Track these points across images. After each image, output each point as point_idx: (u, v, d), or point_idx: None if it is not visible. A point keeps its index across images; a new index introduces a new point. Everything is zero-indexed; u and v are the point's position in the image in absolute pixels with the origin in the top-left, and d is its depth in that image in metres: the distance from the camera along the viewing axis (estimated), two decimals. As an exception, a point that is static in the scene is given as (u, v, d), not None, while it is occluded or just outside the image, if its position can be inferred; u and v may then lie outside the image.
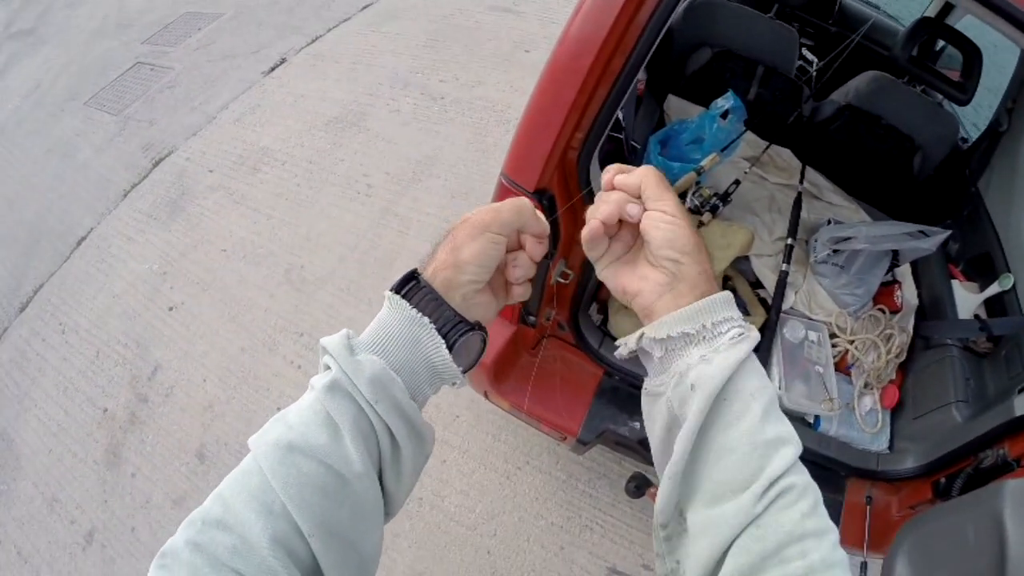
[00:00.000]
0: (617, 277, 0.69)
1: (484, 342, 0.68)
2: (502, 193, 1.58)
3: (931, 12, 3.01)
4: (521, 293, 0.71)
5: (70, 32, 7.39)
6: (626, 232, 0.70)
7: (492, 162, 3.86)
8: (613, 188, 0.68)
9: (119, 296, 3.71)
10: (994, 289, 2.09)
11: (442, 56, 4.99)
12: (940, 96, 2.78)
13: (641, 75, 2.64)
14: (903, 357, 2.16)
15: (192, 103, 5.21)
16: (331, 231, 3.66)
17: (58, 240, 4.32)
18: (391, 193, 3.81)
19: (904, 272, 2.40)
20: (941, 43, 2.90)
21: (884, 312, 2.25)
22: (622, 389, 1.98)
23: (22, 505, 2.99)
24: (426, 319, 0.61)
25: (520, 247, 0.68)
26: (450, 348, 0.62)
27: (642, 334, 0.64)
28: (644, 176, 0.66)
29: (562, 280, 1.72)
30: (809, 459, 1.80)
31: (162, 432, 3.00)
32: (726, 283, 2.20)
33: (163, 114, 5.21)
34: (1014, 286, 2.04)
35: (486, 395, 1.97)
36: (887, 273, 2.33)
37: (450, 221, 3.19)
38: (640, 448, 1.89)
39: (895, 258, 2.31)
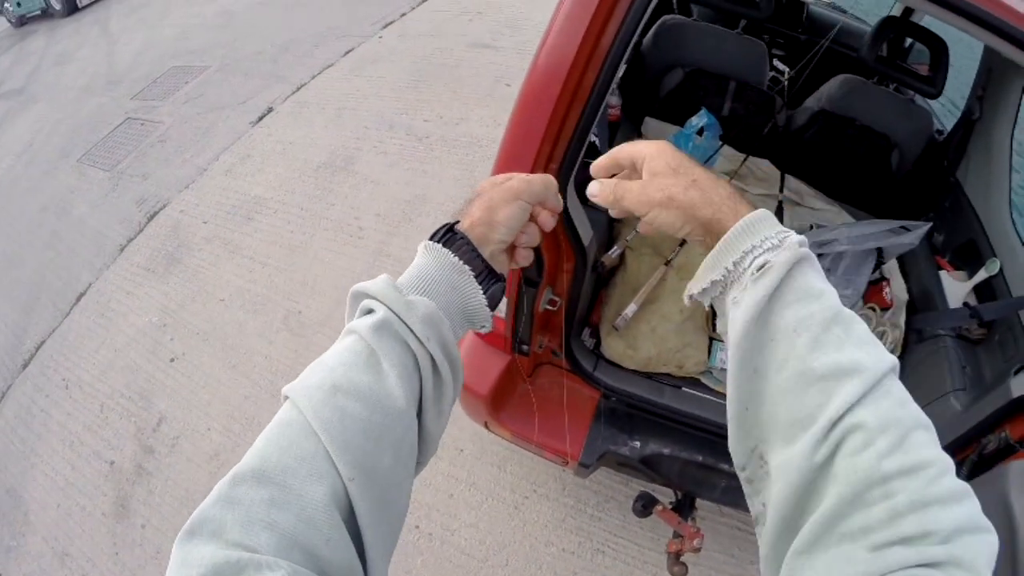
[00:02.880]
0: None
1: (503, 292, 0.72)
2: None
3: (896, 11, 3.08)
4: (525, 257, 0.75)
5: (60, 90, 7.53)
6: None
7: None
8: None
9: (121, 350, 3.77)
10: (982, 275, 2.13)
11: (425, 96, 5.12)
12: (912, 92, 2.85)
13: (616, 100, 2.73)
14: (898, 352, 2.16)
15: (183, 156, 5.31)
16: (326, 275, 3.74)
17: (57, 296, 4.38)
18: (383, 234, 3.90)
19: (891, 268, 2.42)
20: (909, 40, 2.97)
21: (875, 310, 2.27)
22: (619, 410, 1.99)
23: (32, 561, 3.01)
24: (467, 267, 0.66)
25: (533, 218, 0.73)
26: (485, 293, 0.68)
27: (690, 294, 0.67)
28: (600, 168, 0.76)
29: (550, 307, 1.77)
30: None
31: (170, 483, 3.04)
32: None
33: (155, 168, 5.31)
34: (1001, 270, 2.07)
35: (486, 425, 1.99)
36: (874, 271, 2.34)
37: None
38: (642, 467, 1.92)
39: (880, 256, 2.34)
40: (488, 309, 0.69)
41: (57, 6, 11.27)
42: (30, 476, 3.34)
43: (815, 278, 0.57)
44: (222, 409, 3.23)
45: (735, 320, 0.58)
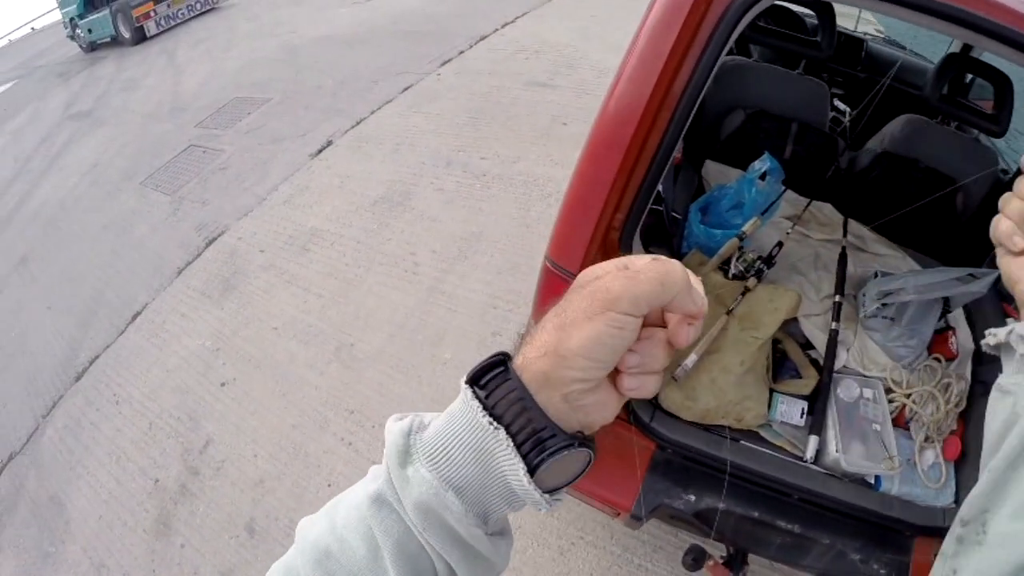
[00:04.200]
0: (1009, 266, 0.68)
1: (590, 458, 0.51)
2: (547, 279, 1.61)
3: (956, 47, 3.00)
4: (635, 387, 0.50)
5: (126, 115, 7.83)
6: None
7: (536, 237, 3.97)
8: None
9: (172, 371, 3.83)
10: None
11: (483, 133, 5.20)
12: (976, 130, 2.77)
13: (677, 144, 2.74)
14: (963, 406, 2.06)
15: (243, 184, 5.46)
16: (380, 309, 3.77)
17: (114, 314, 4.49)
18: (438, 271, 3.93)
19: (957, 317, 2.30)
20: (970, 75, 2.88)
21: (940, 360, 2.16)
22: (675, 462, 1.94)
23: (69, 569, 3.04)
24: (501, 431, 0.46)
25: (660, 323, 0.50)
26: (535, 468, 0.47)
27: (1012, 329, 0.62)
28: None
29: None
30: (872, 521, 1.75)
31: (212, 505, 3.06)
32: (776, 346, 2.18)
33: (215, 195, 5.47)
34: None
35: None
36: (940, 320, 2.25)
37: (497, 297, 3.21)
38: (696, 521, 1.86)
39: (946, 304, 2.25)
40: (536, 492, 0.47)
41: (126, 34, 11.82)
42: (75, 486, 3.40)
43: None
44: (269, 436, 3.24)
45: None
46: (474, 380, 0.49)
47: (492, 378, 0.49)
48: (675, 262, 0.48)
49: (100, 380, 4.00)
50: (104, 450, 3.53)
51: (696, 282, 0.49)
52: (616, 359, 0.48)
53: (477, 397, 0.48)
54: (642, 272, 0.46)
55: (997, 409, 0.59)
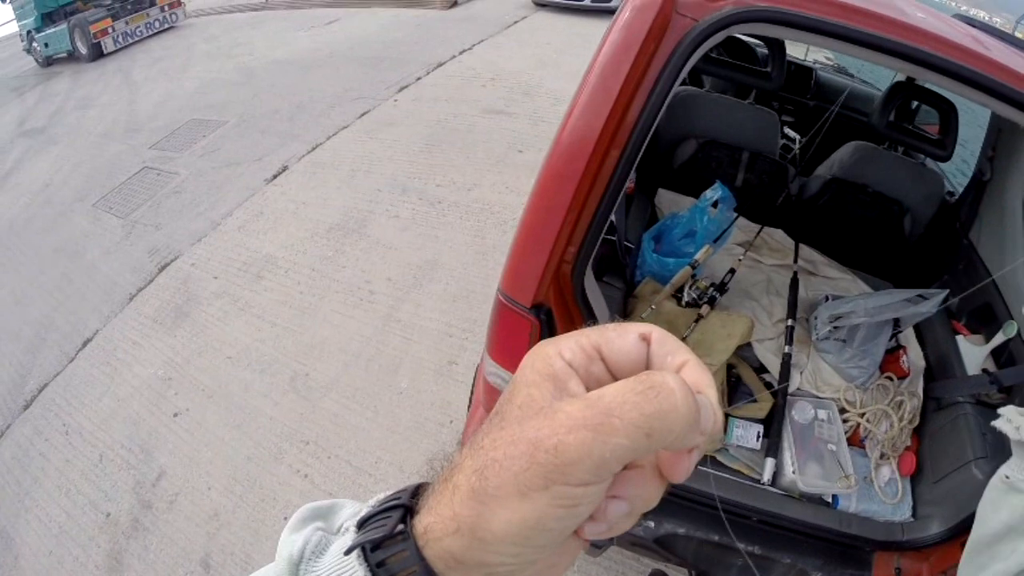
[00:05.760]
0: None
1: None
2: (500, 312, 1.62)
3: (902, 76, 3.09)
4: (605, 531, 0.37)
5: (80, 133, 7.71)
6: None
7: (491, 264, 4.05)
8: None
9: (124, 400, 3.79)
10: (999, 339, 2.08)
11: (438, 160, 5.28)
12: (922, 155, 2.88)
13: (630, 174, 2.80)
14: (916, 422, 2.11)
15: (197, 209, 5.44)
16: (335, 338, 3.80)
17: (64, 340, 4.42)
18: (393, 299, 3.98)
19: (908, 336, 2.36)
20: (916, 101, 2.97)
21: (892, 379, 2.21)
22: None
23: (19, 609, 2.99)
24: None
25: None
26: None
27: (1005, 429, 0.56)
28: None
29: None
30: (831, 539, 1.79)
31: (166, 539, 3.03)
32: (730, 371, 2.21)
33: (169, 219, 5.43)
34: (1019, 332, 2.02)
35: None
36: (890, 340, 2.29)
37: (453, 325, 3.26)
38: (655, 547, 1.88)
39: (897, 324, 2.30)
40: None
41: (83, 50, 11.65)
42: (23, 520, 3.33)
43: None
44: (224, 469, 3.24)
45: None
46: (356, 549, 0.38)
47: (381, 545, 0.37)
48: (679, 384, 0.33)
49: (49, 409, 3.93)
50: (53, 482, 3.47)
51: (710, 389, 0.36)
52: (566, 537, 0.35)
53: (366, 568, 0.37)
54: (620, 417, 0.31)
55: (1000, 504, 0.55)
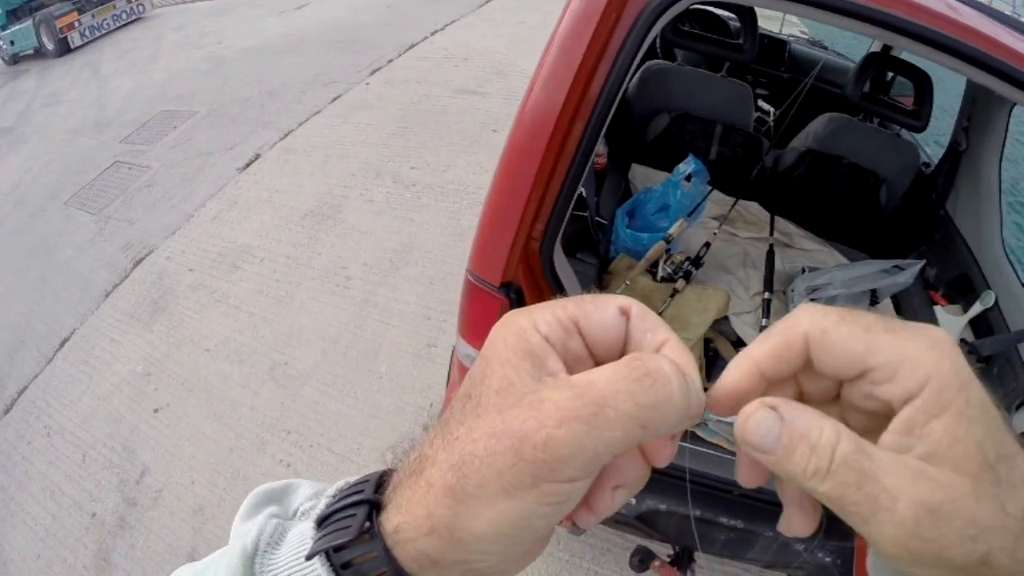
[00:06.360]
0: None
1: None
2: (470, 291, 1.63)
3: (877, 47, 3.11)
4: (592, 519, 0.36)
5: (50, 131, 7.58)
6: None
7: (468, 245, 3.87)
8: None
9: (104, 398, 3.76)
10: (977, 309, 2.11)
11: (412, 143, 5.23)
12: (898, 126, 2.88)
13: (603, 148, 2.68)
14: None
15: (170, 201, 5.36)
16: (313, 326, 3.77)
17: (42, 341, 4.37)
18: (370, 284, 3.95)
19: (886, 307, 2.35)
20: (891, 73, 3.00)
21: None
22: None
23: (10, 614, 2.99)
24: None
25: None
26: None
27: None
28: None
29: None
30: None
31: (152, 536, 3.02)
32: (708, 346, 2.21)
33: (142, 213, 5.35)
34: (996, 302, 2.06)
35: None
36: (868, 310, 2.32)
37: (431, 308, 3.23)
38: (638, 524, 1.88)
39: (874, 295, 2.30)
40: None
41: (50, 46, 11.41)
42: (10, 524, 3.31)
43: None
44: (206, 462, 3.22)
45: None
46: (320, 547, 0.36)
47: (349, 545, 0.34)
48: (674, 371, 0.31)
49: (30, 412, 3.90)
50: (38, 485, 3.45)
51: (693, 369, 0.33)
52: (551, 531, 0.35)
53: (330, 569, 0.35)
54: (614, 408, 0.29)
55: None
